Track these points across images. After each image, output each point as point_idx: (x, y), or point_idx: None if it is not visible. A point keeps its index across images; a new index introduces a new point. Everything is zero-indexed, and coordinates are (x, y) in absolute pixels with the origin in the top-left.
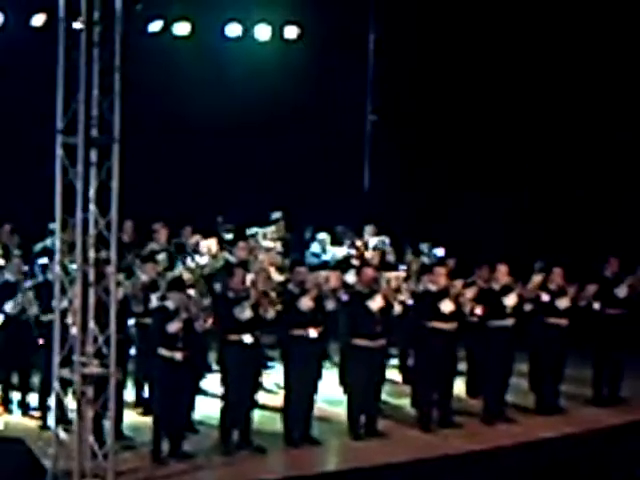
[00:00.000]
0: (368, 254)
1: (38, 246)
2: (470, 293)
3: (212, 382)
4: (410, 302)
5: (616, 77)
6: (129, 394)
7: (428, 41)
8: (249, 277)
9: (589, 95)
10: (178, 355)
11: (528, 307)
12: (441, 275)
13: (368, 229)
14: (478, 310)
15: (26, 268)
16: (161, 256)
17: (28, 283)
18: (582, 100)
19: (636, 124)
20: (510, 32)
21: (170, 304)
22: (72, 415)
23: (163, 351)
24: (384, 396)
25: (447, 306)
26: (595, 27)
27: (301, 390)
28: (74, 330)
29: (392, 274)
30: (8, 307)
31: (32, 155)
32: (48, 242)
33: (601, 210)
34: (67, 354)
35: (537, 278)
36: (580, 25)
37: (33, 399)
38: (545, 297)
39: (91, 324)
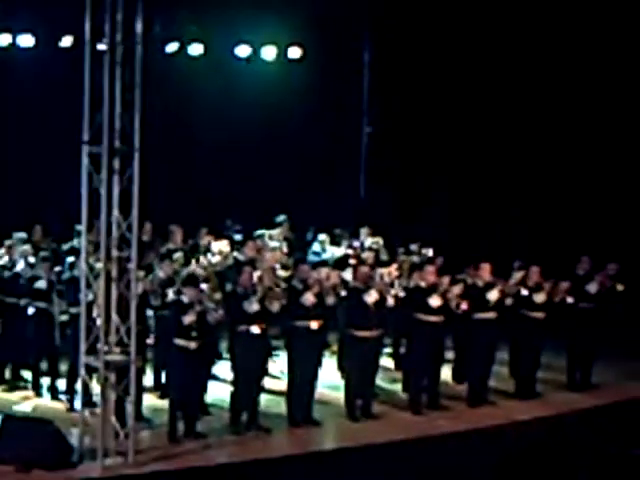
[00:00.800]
0: (364, 254)
1: (66, 246)
2: (457, 289)
3: (223, 369)
4: (402, 295)
5: (600, 80)
6: (148, 379)
7: (419, 59)
8: (256, 274)
9: (569, 103)
10: (192, 344)
11: (509, 301)
12: (430, 272)
13: (364, 231)
14: (464, 305)
15: (55, 265)
16: (177, 255)
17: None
18: (562, 107)
19: (612, 126)
20: (501, 47)
21: (185, 298)
22: (96, 398)
23: (179, 341)
24: (378, 381)
25: (435, 301)
26: (588, 38)
27: (303, 376)
28: (98, 321)
29: (385, 270)
30: (39, 283)
31: (61, 164)
32: (75, 242)
33: (574, 213)
34: (92, 343)
35: (517, 275)
36: (572, 42)
37: (61, 384)
38: (524, 292)
39: (114, 316)
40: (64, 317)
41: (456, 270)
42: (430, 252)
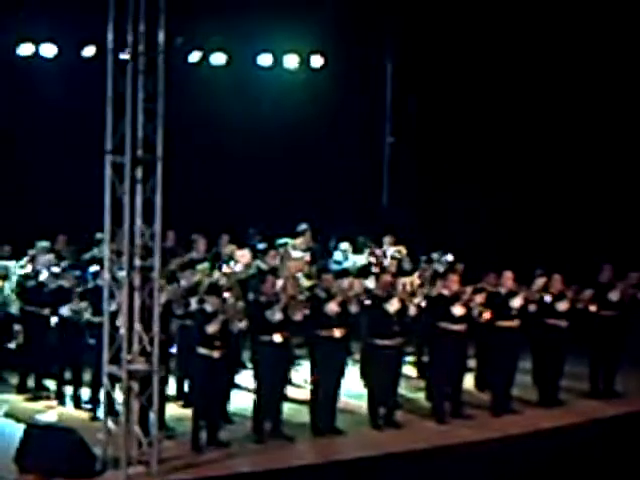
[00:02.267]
0: (386, 262)
1: (87, 255)
2: (480, 298)
3: (246, 378)
4: (424, 304)
5: (613, 84)
6: (171, 388)
7: (442, 68)
8: (279, 283)
9: (592, 112)
10: (215, 353)
11: (532, 308)
12: (453, 281)
13: (386, 239)
14: (487, 315)
15: (78, 273)
16: (201, 265)
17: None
18: (587, 113)
19: (632, 132)
20: (525, 57)
21: (208, 307)
22: (120, 407)
23: (202, 350)
24: (401, 390)
25: (458, 310)
26: (599, 45)
27: (326, 385)
28: (122, 330)
29: (407, 279)
30: (64, 310)
31: (84, 173)
32: (96, 251)
33: (597, 222)
34: (115, 352)
35: (540, 282)
36: (590, 52)
37: (85, 393)
38: (547, 298)
39: (137, 325)
40: (97, 319)
41: (477, 277)
42: (450, 257)
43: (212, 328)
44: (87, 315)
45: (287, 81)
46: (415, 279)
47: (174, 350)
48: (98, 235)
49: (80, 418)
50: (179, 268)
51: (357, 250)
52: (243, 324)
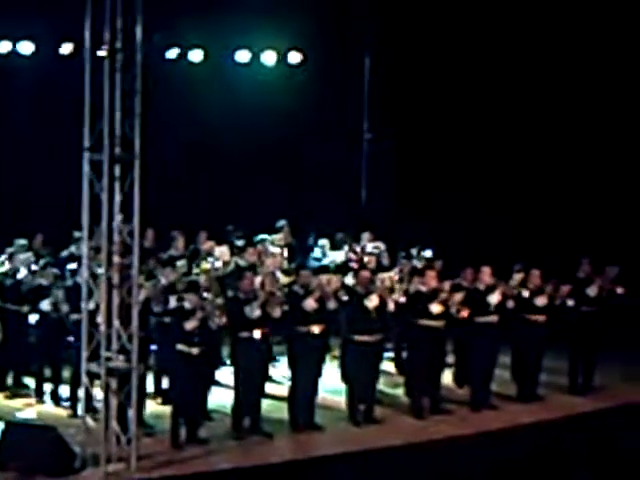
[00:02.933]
0: (365, 258)
1: (64, 252)
2: (458, 296)
3: (225, 374)
4: (403, 300)
5: (598, 77)
6: (150, 386)
7: (420, 64)
8: (258, 279)
9: (573, 105)
10: (194, 350)
11: (510, 304)
12: (431, 277)
13: (365, 236)
14: (464, 313)
15: (56, 271)
16: (180, 262)
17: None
18: (568, 105)
19: (613, 130)
20: (503, 52)
21: (187, 304)
22: (99, 405)
23: (181, 346)
24: (380, 386)
25: (436, 308)
26: (588, 43)
27: (305, 381)
28: (101, 328)
29: (386, 275)
30: (44, 305)
31: (61, 171)
32: (73, 248)
33: (575, 216)
34: (94, 350)
35: (518, 277)
36: (575, 47)
37: (64, 391)
38: (525, 293)
39: (116, 323)
40: (75, 316)
41: (455, 273)
42: (429, 253)
43: (191, 325)
44: (65, 308)
45: (265, 77)
46: (393, 275)
47: (153, 347)
48: (76, 233)
49: (59, 415)
50: (158, 266)
51: (335, 246)
52: (222, 320)
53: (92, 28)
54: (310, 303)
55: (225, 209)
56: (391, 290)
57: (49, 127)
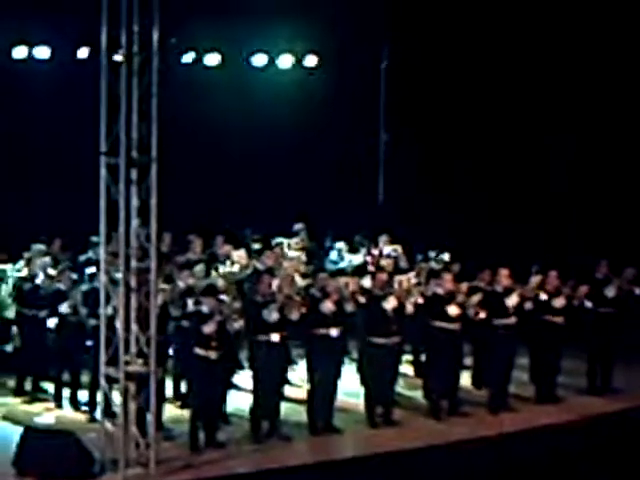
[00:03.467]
0: (383, 261)
1: (82, 257)
2: (475, 298)
3: (243, 378)
4: (421, 302)
5: (612, 80)
6: (168, 390)
7: (436, 66)
8: (275, 283)
9: (590, 104)
10: (212, 354)
11: (528, 306)
12: (447, 280)
13: (383, 238)
14: (482, 314)
15: (74, 276)
16: (198, 267)
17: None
18: (587, 105)
19: (628, 127)
20: (519, 52)
21: (205, 308)
22: (117, 409)
23: (199, 350)
24: (398, 388)
25: (453, 310)
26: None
27: (324, 384)
28: (119, 332)
29: (403, 277)
30: (63, 307)
31: (79, 175)
32: (91, 253)
33: (593, 218)
34: (113, 354)
35: (536, 279)
36: (588, 51)
37: (82, 395)
38: (543, 296)
39: (134, 327)
40: (93, 321)
41: (473, 276)
42: (447, 257)
43: (209, 329)
44: (84, 311)
45: (281, 81)
46: (411, 277)
47: (171, 351)
48: (93, 238)
49: (78, 420)
50: (175, 270)
51: (353, 249)
52: (240, 324)
53: (108, 32)
54: (328, 306)
55: (242, 212)
56: (409, 292)
57: (66, 131)
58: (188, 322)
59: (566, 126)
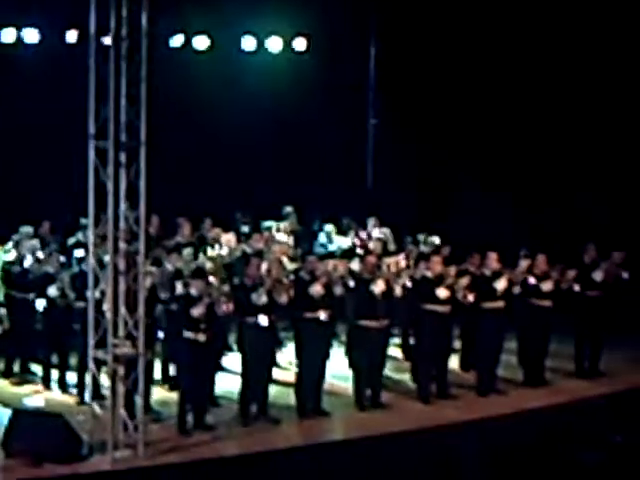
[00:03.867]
0: (371, 244)
1: (71, 240)
2: (464, 281)
3: (232, 360)
4: (409, 284)
5: (606, 66)
6: (157, 372)
7: (425, 50)
8: (264, 266)
9: (580, 91)
10: (201, 337)
11: (516, 290)
12: (437, 263)
13: (371, 221)
14: (470, 297)
15: (63, 259)
16: (187, 250)
17: (66, 272)
18: (576, 91)
19: (622, 114)
20: (508, 38)
21: (193, 291)
22: (106, 392)
23: (187, 333)
24: (387, 372)
25: (442, 292)
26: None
27: (312, 367)
28: (107, 315)
29: (392, 259)
30: (51, 290)
31: (67, 158)
32: (80, 236)
33: (581, 202)
34: (101, 337)
35: (524, 263)
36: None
37: (71, 378)
38: (532, 280)
39: (122, 310)
40: (81, 304)
41: (462, 259)
42: (437, 240)
43: (197, 311)
44: (72, 296)
45: (270, 64)
46: (399, 259)
47: (160, 334)
48: (82, 220)
49: (66, 402)
50: (164, 253)
51: (342, 232)
52: (228, 307)
53: (97, 16)
54: (317, 289)
55: (231, 196)
56: (397, 275)
57: (55, 114)
58: (177, 305)
59: (556, 109)
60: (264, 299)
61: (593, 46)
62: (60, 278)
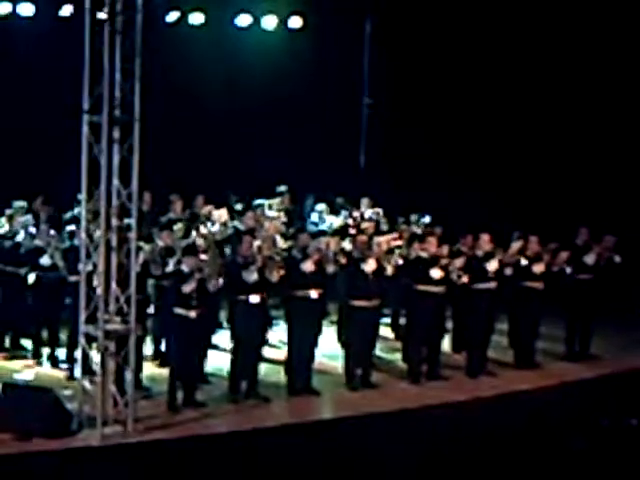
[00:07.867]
0: (364, 224)
1: (67, 214)
2: (458, 262)
3: (223, 338)
4: (401, 262)
5: (594, 55)
6: (148, 348)
7: (421, 30)
8: (256, 244)
9: (568, 79)
10: (192, 313)
11: (508, 271)
12: (432, 243)
13: (364, 201)
14: (464, 279)
15: (53, 233)
16: (178, 225)
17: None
18: (566, 80)
19: (611, 102)
20: (506, 19)
21: (185, 267)
22: (96, 367)
23: (179, 310)
24: (378, 351)
25: (436, 273)
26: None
27: (303, 345)
28: (98, 290)
29: (382, 238)
30: (43, 259)
31: (61, 133)
32: (76, 211)
33: (573, 184)
34: (92, 312)
35: (516, 245)
36: (569, 29)
37: (61, 353)
38: (524, 261)
39: (113, 285)
40: (73, 278)
41: (454, 240)
42: (427, 219)
43: (188, 288)
44: (62, 265)
45: (265, 42)
46: (390, 238)
47: (151, 310)
48: (79, 195)
49: (56, 377)
50: (156, 229)
51: (334, 211)
52: (220, 283)
53: None
54: (308, 265)
55: (224, 173)
56: (389, 254)
57: (49, 89)
58: (168, 281)
59: (548, 92)
60: (255, 277)
61: (590, 41)
62: (51, 250)
